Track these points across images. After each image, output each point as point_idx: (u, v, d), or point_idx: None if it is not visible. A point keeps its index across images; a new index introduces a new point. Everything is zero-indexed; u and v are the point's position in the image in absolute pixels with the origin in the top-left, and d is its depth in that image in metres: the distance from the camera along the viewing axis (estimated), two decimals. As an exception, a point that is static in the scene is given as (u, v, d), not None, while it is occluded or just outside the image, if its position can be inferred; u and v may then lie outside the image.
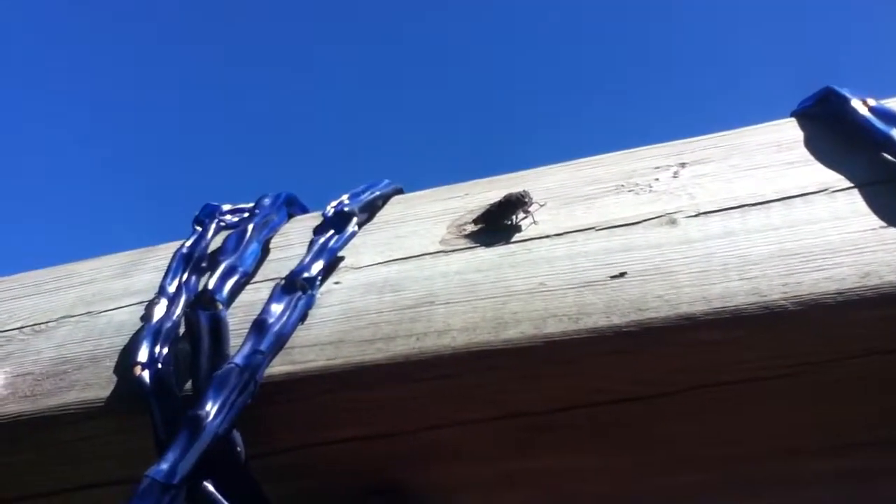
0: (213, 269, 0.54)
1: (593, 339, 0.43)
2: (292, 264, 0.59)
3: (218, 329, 0.49)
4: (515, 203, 0.54)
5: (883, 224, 0.43)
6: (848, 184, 0.47)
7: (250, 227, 0.57)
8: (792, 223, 0.46)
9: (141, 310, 0.60)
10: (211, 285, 0.51)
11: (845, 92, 0.52)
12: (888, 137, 0.47)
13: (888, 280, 0.40)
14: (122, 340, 0.57)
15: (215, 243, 0.63)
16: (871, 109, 0.49)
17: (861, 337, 0.41)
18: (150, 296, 0.61)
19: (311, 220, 0.65)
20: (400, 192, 0.65)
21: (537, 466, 0.49)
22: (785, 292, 0.41)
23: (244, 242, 0.55)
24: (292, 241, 0.62)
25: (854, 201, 0.46)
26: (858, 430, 0.44)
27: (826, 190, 0.47)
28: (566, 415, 0.46)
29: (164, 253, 0.68)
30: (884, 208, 0.45)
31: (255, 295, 0.56)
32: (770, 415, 0.44)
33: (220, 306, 0.50)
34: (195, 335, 0.49)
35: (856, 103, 0.50)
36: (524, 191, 0.55)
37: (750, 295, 0.42)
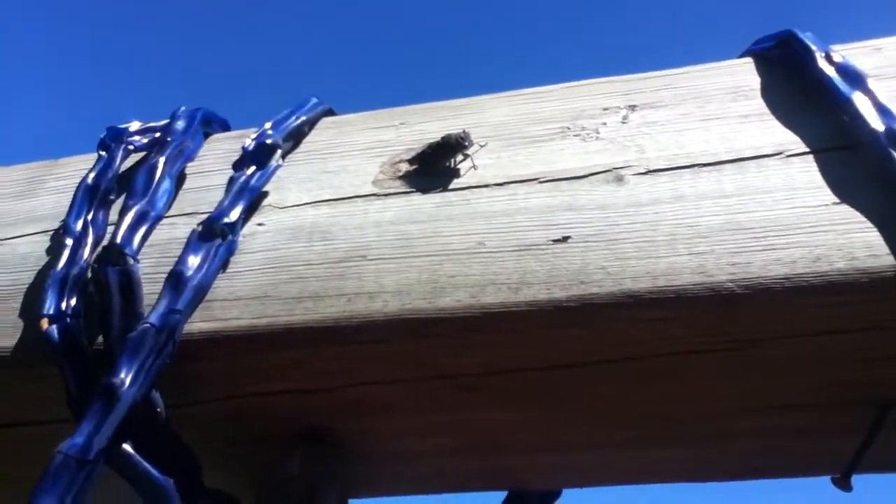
0: (123, 211, 0.48)
1: (532, 313, 0.41)
2: (210, 196, 0.54)
3: (130, 285, 0.45)
4: (454, 145, 0.50)
5: (836, 200, 0.42)
6: (804, 147, 0.45)
7: (161, 160, 0.51)
8: (744, 191, 0.44)
9: (45, 240, 0.55)
10: (119, 236, 0.46)
11: (808, 39, 0.49)
12: (849, 101, 0.44)
13: (837, 267, 0.39)
14: (27, 276, 0.52)
15: (126, 166, 0.57)
16: (836, 66, 0.46)
17: (804, 320, 0.40)
18: (55, 224, 0.56)
19: (232, 140, 0.60)
20: (330, 113, 0.60)
21: (468, 418, 0.49)
22: (733, 273, 0.40)
23: (155, 180, 0.50)
24: (210, 168, 0.57)
25: (809, 169, 0.44)
26: (784, 395, 0.45)
27: (781, 153, 0.45)
28: (499, 377, 0.45)
29: (67, 170, 0.62)
30: (838, 180, 0.43)
31: (171, 232, 0.52)
32: (702, 382, 0.44)
33: (131, 260, 0.46)
34: (105, 292, 0.45)
35: (819, 56, 0.47)
36: (464, 132, 0.50)
37: (696, 273, 0.40)
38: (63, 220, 0.55)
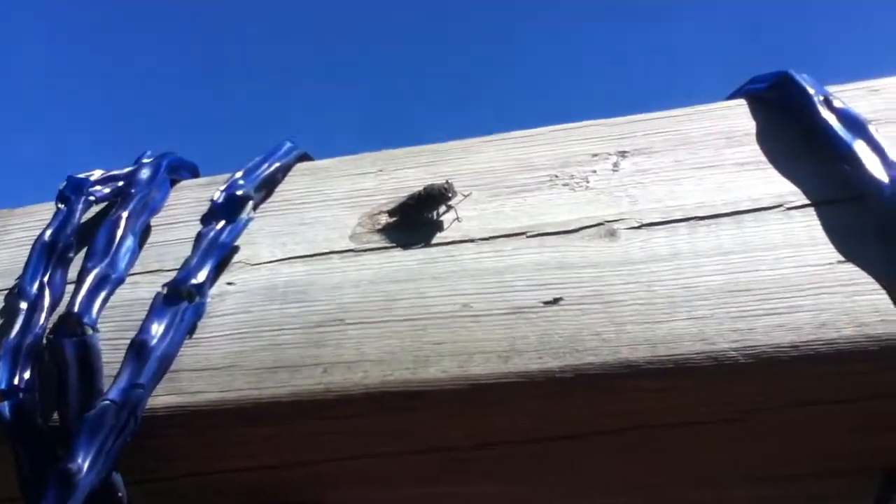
0: (81, 274, 0.45)
1: (523, 384, 0.39)
2: (177, 251, 0.51)
3: (87, 358, 0.41)
4: (437, 196, 0.47)
5: (841, 258, 0.39)
6: (804, 199, 0.43)
7: (124, 215, 0.48)
8: (744, 247, 0.41)
9: (0, 301, 0.51)
10: (77, 304, 0.43)
11: (805, 82, 0.47)
12: (851, 150, 0.42)
13: (845, 334, 0.36)
14: (-25, 342, 0.49)
15: (87, 216, 0.54)
16: (837, 113, 0.44)
17: (810, 389, 0.38)
18: (10, 282, 0.52)
19: (201, 188, 0.57)
20: (305, 157, 0.57)
21: (453, 491, 0.46)
22: (735, 340, 0.37)
23: (117, 239, 0.47)
24: (177, 220, 0.54)
25: (811, 224, 0.42)
26: (780, 465, 0.42)
27: (781, 206, 0.43)
28: (486, 450, 0.42)
29: (24, 221, 0.58)
30: (842, 236, 0.41)
31: (133, 292, 0.49)
32: (699, 451, 0.42)
33: (90, 330, 0.42)
34: (61, 366, 0.41)
35: (818, 101, 0.45)
36: (448, 182, 0.48)
37: (697, 341, 0.38)
38: (17, 280, 0.51)
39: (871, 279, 0.38)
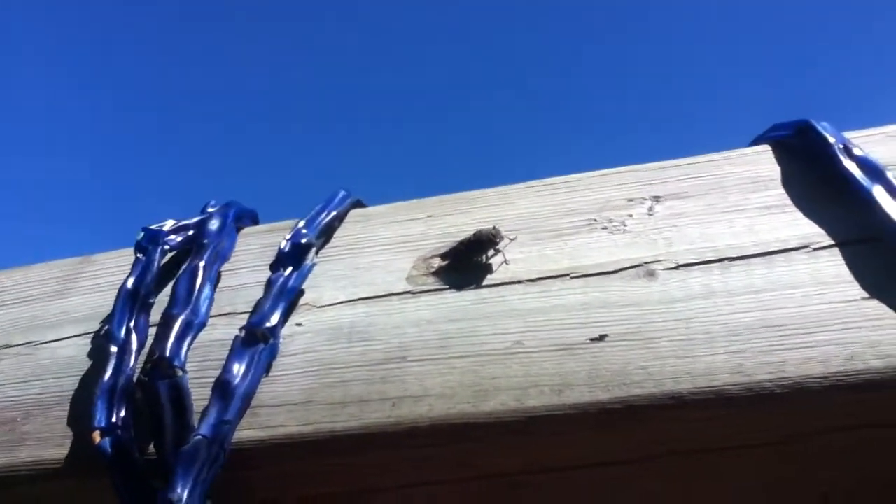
0: (167, 321, 0.50)
1: (576, 416, 0.42)
2: (246, 295, 0.55)
3: (180, 397, 0.46)
4: (486, 241, 0.52)
5: (865, 295, 0.43)
6: (829, 241, 0.47)
7: (201, 265, 0.53)
8: (774, 286, 0.45)
9: (86, 343, 0.56)
10: (168, 349, 0.48)
11: (826, 130, 0.51)
12: (871, 196, 0.46)
13: (873, 365, 0.40)
14: (70, 383, 0.53)
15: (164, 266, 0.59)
16: (857, 160, 0.48)
17: (842, 416, 0.41)
18: (93, 325, 0.57)
19: (262, 235, 0.61)
20: (358, 204, 0.62)
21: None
22: (770, 372, 0.41)
23: (196, 287, 0.51)
24: (244, 265, 0.58)
25: (836, 263, 0.45)
26: (821, 486, 0.45)
27: (807, 247, 0.47)
28: (541, 476, 0.46)
29: (98, 268, 0.63)
30: (865, 274, 0.44)
31: (210, 334, 0.53)
32: (740, 475, 0.45)
33: (180, 372, 0.47)
34: (156, 405, 0.46)
35: (839, 148, 0.49)
36: (495, 228, 0.52)
37: (735, 374, 0.41)
38: (102, 324, 0.56)
39: (894, 315, 0.42)
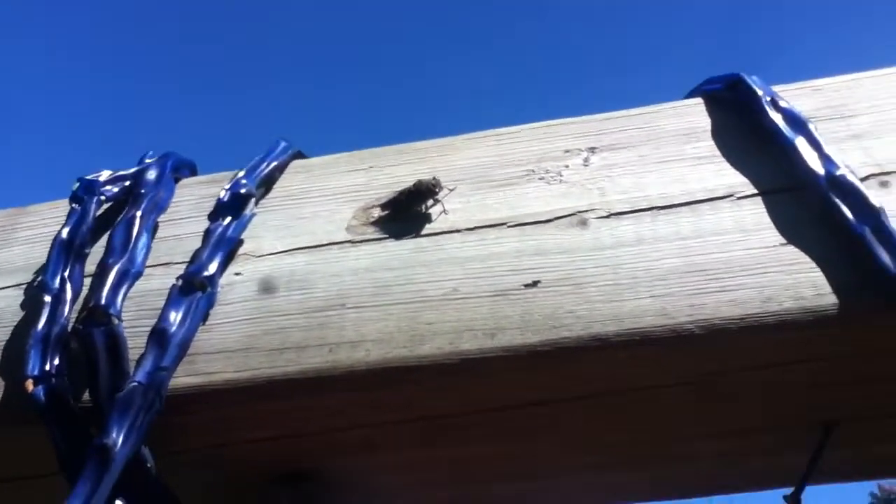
0: (103, 270, 0.49)
1: (508, 358, 0.44)
2: (184, 245, 0.55)
3: (115, 345, 0.46)
4: (426, 191, 0.52)
5: (783, 240, 0.45)
6: (753, 189, 0.48)
7: (138, 214, 0.52)
8: (699, 233, 0.47)
9: (19, 294, 0.55)
10: (103, 297, 0.47)
11: (755, 84, 0.52)
12: (793, 146, 0.48)
13: (786, 307, 0.42)
14: (3, 333, 0.53)
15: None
16: (782, 112, 0.50)
17: (756, 355, 0.43)
18: (28, 276, 0.56)
19: (202, 186, 0.61)
20: (299, 155, 0.62)
21: (445, 454, 0.51)
22: (691, 315, 0.43)
23: (133, 237, 0.51)
24: (182, 216, 0.58)
25: (758, 211, 0.47)
26: (735, 422, 0.48)
27: (732, 196, 0.48)
28: (475, 416, 0.47)
29: (34, 219, 0.62)
30: (784, 222, 0.46)
31: (146, 283, 0.53)
32: (664, 412, 0.47)
33: (115, 320, 0.47)
34: (91, 353, 0.46)
35: (766, 101, 0.51)
36: (435, 178, 0.52)
37: (658, 315, 0.43)
38: (36, 274, 0.55)
39: (809, 259, 0.44)
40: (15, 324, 0.53)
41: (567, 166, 0.54)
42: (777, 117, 0.49)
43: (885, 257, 0.42)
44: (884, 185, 0.47)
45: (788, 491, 0.50)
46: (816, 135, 0.48)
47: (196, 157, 0.65)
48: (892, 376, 0.45)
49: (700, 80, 0.58)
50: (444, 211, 0.52)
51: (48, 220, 0.60)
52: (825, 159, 0.47)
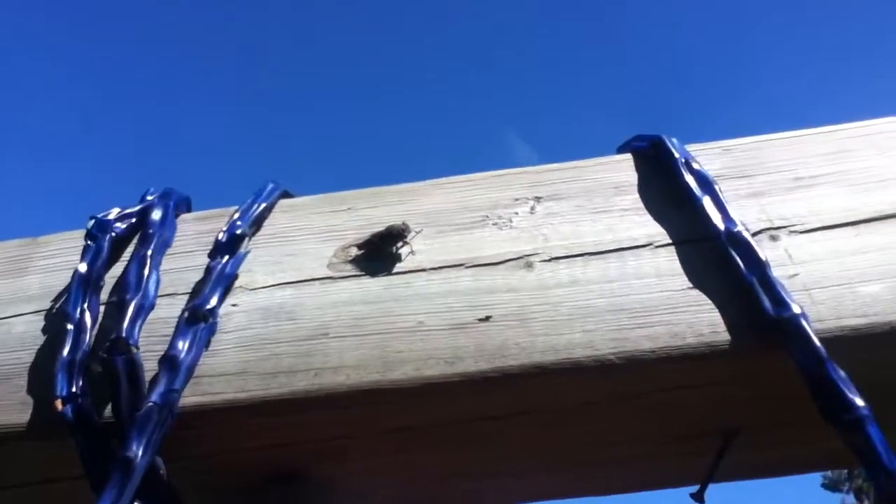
0: (121, 305, 0.57)
1: (464, 382, 0.53)
2: (186, 277, 0.63)
3: (134, 371, 0.54)
4: (396, 235, 0.61)
5: (690, 285, 0.55)
6: (668, 239, 0.58)
7: (148, 253, 0.60)
8: (623, 277, 0.56)
9: (39, 320, 0.63)
10: (123, 330, 0.56)
11: (673, 146, 0.62)
12: (700, 204, 0.57)
13: (688, 342, 0.52)
14: (27, 356, 0.60)
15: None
16: (694, 173, 0.59)
17: (666, 379, 0.53)
18: (45, 304, 0.64)
19: (198, 222, 0.69)
20: (286, 195, 0.70)
21: (414, 459, 0.61)
22: (614, 347, 0.53)
23: (146, 274, 0.59)
24: (183, 250, 0.66)
25: (671, 258, 0.57)
26: (656, 429, 0.58)
27: (651, 244, 0.58)
28: (437, 429, 0.57)
29: (49, 249, 0.70)
30: (692, 268, 0.56)
31: (155, 312, 0.61)
32: (593, 423, 0.57)
33: (135, 349, 0.55)
34: (114, 377, 0.54)
35: (681, 162, 0.60)
36: (404, 223, 0.61)
37: (587, 348, 0.53)
38: (53, 302, 0.63)
39: (709, 301, 0.54)
40: (37, 347, 0.61)
41: (517, 213, 0.63)
42: (689, 178, 0.59)
43: (767, 303, 0.52)
44: (773, 238, 0.57)
45: (695, 489, 0.60)
46: (721, 195, 0.58)
47: (180, 182, 0.73)
48: (776, 395, 0.55)
49: (627, 133, 0.68)
50: (412, 252, 0.62)
51: (62, 250, 0.68)
52: (726, 217, 0.57)
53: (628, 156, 0.66)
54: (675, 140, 0.63)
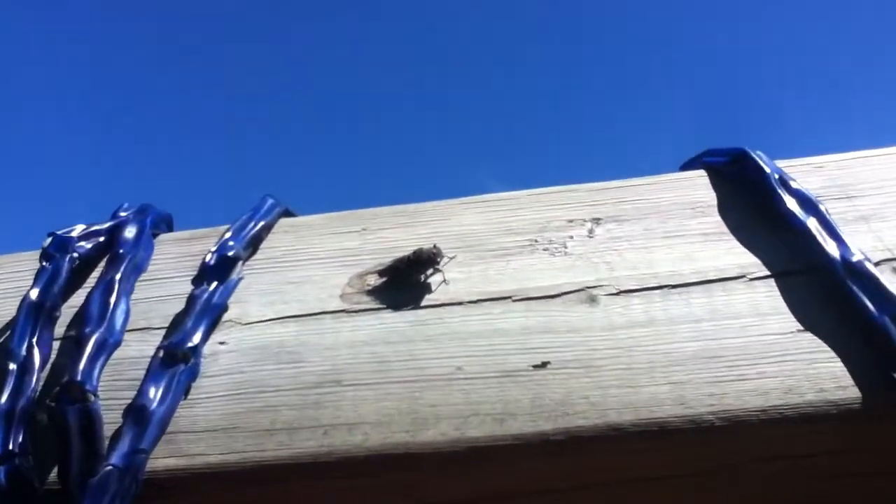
0: (80, 340, 0.45)
1: (518, 446, 0.41)
2: (163, 309, 0.51)
3: (90, 424, 0.42)
4: (426, 261, 0.50)
5: (800, 327, 0.44)
6: (765, 271, 0.47)
7: (117, 278, 0.48)
8: (713, 315, 0.45)
9: (-22, 358, 0.51)
10: (79, 372, 0.43)
11: (761, 159, 0.52)
12: (806, 229, 0.47)
13: (808, 399, 0.41)
14: (-42, 403, 0.48)
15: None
16: (793, 193, 0.49)
17: (778, 447, 0.42)
18: (-11, 338, 0.52)
19: (181, 243, 0.58)
20: (287, 213, 0.59)
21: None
22: (711, 405, 0.41)
23: (111, 304, 0.47)
24: (160, 276, 0.55)
25: (772, 293, 0.46)
26: None
27: (744, 276, 0.47)
28: (478, 503, 0.45)
29: (2, 272, 0.58)
30: (800, 305, 0.45)
31: (123, 351, 0.49)
32: (675, 499, 0.45)
33: (92, 398, 0.43)
34: (63, 432, 0.42)
35: (775, 179, 0.50)
36: (435, 246, 0.50)
37: (677, 405, 0.41)
38: (1, 341, 0.51)
39: (828, 348, 0.43)
40: (-27, 392, 0.48)
41: (571, 237, 0.52)
42: (787, 197, 0.49)
43: (906, 350, 0.41)
44: (896, 270, 0.46)
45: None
46: (829, 217, 0.47)
47: (162, 202, 0.61)
48: (892, 471, 0.43)
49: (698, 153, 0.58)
50: (445, 281, 0.50)
51: (13, 274, 0.56)
52: (841, 244, 0.46)
53: (702, 172, 0.55)
54: (760, 153, 0.52)
